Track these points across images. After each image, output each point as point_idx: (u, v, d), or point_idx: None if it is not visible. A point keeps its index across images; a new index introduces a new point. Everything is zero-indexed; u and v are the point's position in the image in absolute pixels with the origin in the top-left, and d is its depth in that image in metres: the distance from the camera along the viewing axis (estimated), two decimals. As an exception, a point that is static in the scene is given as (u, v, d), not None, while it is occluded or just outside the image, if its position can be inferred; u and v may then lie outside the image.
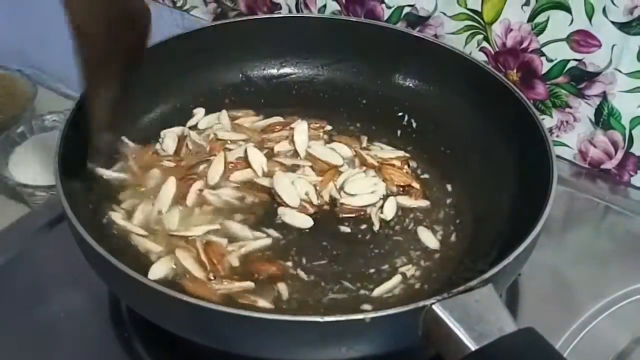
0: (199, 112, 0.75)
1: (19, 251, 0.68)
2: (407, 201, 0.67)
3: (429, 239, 0.63)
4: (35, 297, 0.63)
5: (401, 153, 0.71)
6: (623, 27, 0.69)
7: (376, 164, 0.69)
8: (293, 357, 0.49)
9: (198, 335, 0.51)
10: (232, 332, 0.48)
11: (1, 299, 0.64)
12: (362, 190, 0.67)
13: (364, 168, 0.69)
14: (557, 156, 0.59)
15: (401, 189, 0.68)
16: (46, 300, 0.62)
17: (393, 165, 0.69)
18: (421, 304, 0.46)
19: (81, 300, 0.62)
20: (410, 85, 0.77)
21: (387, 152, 0.71)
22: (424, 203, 0.67)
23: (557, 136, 0.80)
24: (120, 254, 0.53)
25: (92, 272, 0.54)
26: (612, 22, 0.70)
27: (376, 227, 0.64)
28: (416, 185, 0.68)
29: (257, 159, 0.68)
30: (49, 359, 0.59)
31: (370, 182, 0.67)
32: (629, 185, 0.78)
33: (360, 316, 0.45)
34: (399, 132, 0.74)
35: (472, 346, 0.44)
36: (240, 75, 0.79)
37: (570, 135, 0.79)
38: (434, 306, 0.46)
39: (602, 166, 0.79)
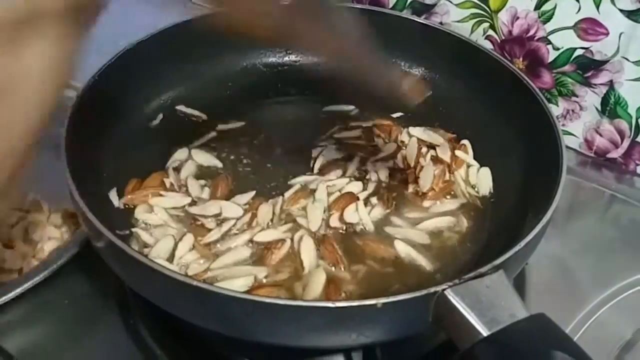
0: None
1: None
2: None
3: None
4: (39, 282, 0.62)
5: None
6: (631, 15, 0.69)
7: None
8: (303, 344, 0.49)
9: (206, 321, 0.50)
10: (241, 317, 0.47)
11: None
12: None
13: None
14: (563, 145, 0.59)
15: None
16: (50, 285, 0.62)
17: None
18: (432, 289, 0.46)
19: (86, 286, 0.62)
20: (417, 73, 0.77)
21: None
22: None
23: (563, 125, 0.79)
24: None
25: (98, 256, 0.53)
26: (620, 10, 0.69)
27: None
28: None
29: None
30: (53, 345, 0.58)
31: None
32: (634, 174, 0.78)
33: (371, 302, 0.45)
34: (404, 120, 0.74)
35: (484, 332, 0.44)
36: (244, 63, 0.78)
37: (576, 124, 0.79)
38: (445, 292, 0.46)
39: (608, 155, 0.79)
